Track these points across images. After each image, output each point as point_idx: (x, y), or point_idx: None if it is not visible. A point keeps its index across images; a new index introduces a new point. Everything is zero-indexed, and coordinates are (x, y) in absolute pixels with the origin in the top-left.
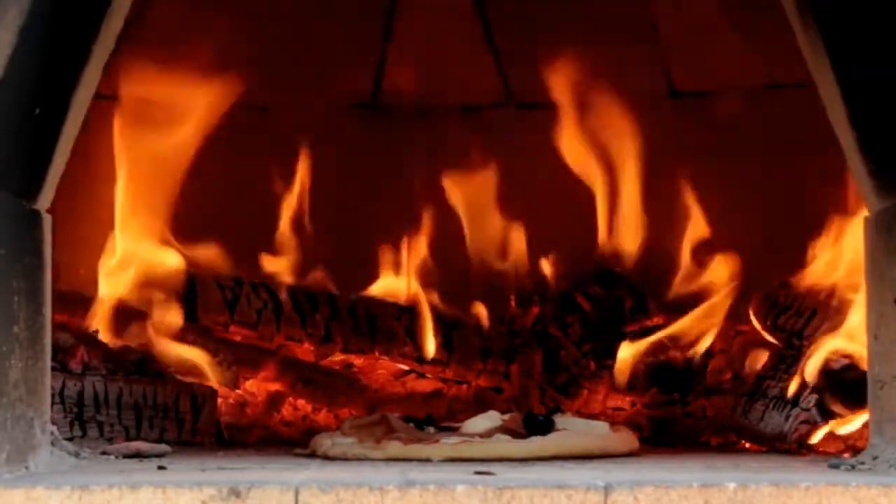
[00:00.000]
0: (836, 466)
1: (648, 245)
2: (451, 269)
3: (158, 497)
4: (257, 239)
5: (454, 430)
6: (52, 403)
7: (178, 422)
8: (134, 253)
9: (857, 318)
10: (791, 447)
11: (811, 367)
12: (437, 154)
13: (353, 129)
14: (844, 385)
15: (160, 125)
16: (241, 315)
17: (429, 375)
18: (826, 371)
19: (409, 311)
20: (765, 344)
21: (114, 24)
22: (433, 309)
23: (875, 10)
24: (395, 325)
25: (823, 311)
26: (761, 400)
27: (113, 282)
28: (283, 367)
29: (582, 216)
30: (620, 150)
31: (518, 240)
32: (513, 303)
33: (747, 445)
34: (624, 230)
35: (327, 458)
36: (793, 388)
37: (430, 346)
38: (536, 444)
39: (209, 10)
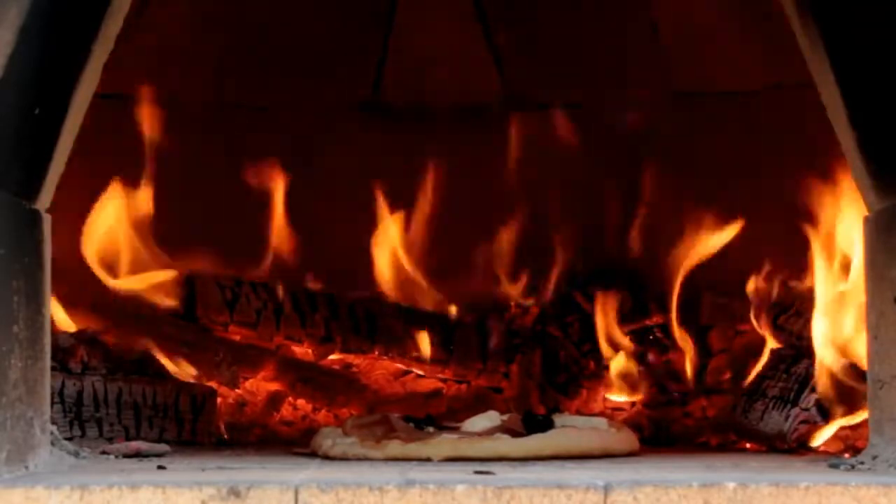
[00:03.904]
0: (835, 466)
1: (649, 245)
2: (452, 269)
3: (158, 497)
4: (256, 239)
5: (454, 430)
6: (52, 403)
7: (178, 422)
8: (132, 254)
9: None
10: (791, 447)
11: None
12: (436, 154)
13: (353, 129)
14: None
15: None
16: (240, 315)
17: (428, 375)
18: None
19: (409, 312)
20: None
21: (114, 24)
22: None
23: (875, 11)
24: (395, 324)
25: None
26: (761, 400)
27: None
28: (282, 367)
29: (582, 216)
30: (620, 149)
31: (518, 239)
32: (513, 303)
33: (747, 445)
34: (626, 230)
35: (327, 457)
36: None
37: (425, 346)
38: (536, 443)
39: (209, 10)
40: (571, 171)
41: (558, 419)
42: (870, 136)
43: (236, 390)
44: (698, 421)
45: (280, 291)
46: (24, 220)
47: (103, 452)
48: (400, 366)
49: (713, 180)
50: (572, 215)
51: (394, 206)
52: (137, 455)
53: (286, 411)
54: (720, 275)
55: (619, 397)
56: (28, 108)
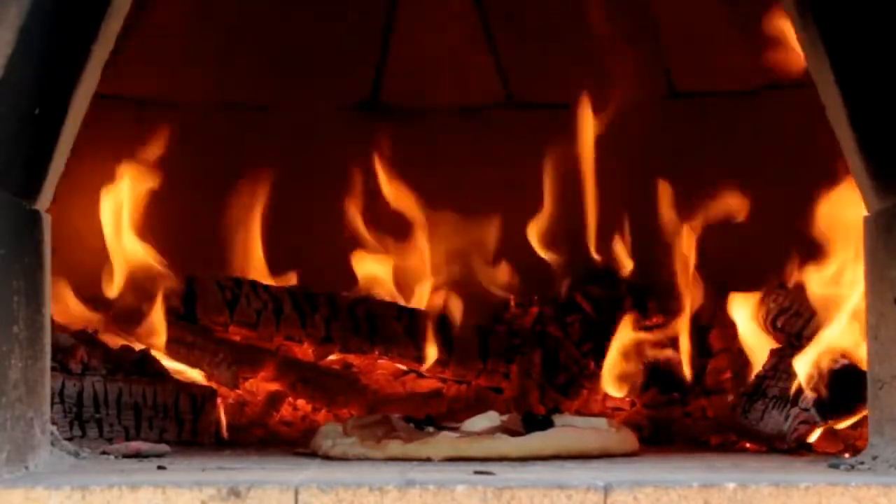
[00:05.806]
0: (835, 466)
1: (647, 245)
2: (452, 269)
3: (158, 497)
4: (256, 239)
5: (454, 430)
6: (52, 403)
7: (178, 422)
8: (132, 254)
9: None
10: (791, 447)
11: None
12: (436, 154)
13: (353, 129)
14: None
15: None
16: (240, 315)
17: (428, 375)
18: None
19: (409, 312)
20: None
21: (114, 25)
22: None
23: (874, 12)
24: (395, 325)
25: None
26: (761, 400)
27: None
28: (282, 367)
29: (581, 216)
30: (619, 150)
31: (517, 240)
32: (513, 303)
33: (747, 445)
34: (623, 230)
35: (327, 457)
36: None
37: (431, 352)
38: (536, 443)
39: (209, 10)
40: (570, 172)
41: (558, 419)
42: (870, 137)
43: (236, 390)
44: (698, 421)
45: (280, 292)
46: (24, 220)
47: (103, 453)
48: (400, 366)
49: (713, 180)
50: (571, 216)
51: (393, 206)
52: (137, 455)
53: (286, 411)
54: (720, 275)
55: (618, 393)
56: (28, 109)
